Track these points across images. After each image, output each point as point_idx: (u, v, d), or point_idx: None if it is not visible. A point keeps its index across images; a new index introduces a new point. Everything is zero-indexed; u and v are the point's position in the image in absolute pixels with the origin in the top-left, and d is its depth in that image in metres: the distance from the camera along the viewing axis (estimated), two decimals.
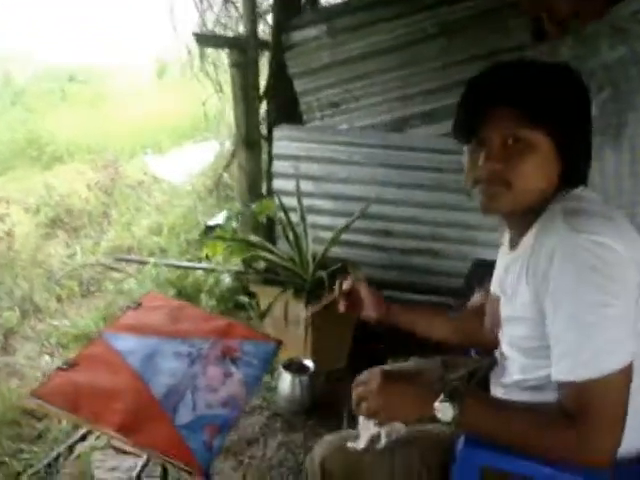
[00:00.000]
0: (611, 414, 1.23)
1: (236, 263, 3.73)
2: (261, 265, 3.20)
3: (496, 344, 1.64)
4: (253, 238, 3.23)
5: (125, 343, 2.00)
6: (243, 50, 3.38)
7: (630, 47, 1.64)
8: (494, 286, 1.69)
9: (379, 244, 3.65)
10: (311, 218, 3.37)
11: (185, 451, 1.68)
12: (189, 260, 4.21)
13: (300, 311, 2.99)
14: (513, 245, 1.49)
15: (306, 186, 3.50)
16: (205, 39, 3.48)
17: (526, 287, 1.36)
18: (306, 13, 3.57)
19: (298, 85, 3.56)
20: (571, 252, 1.24)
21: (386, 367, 1.54)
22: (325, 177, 3.59)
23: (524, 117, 1.33)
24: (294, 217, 3.23)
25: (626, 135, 1.69)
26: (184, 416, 1.79)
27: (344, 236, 3.55)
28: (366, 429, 1.55)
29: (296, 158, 3.57)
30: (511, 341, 1.52)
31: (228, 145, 5.60)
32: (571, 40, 1.68)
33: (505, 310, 1.54)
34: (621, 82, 1.67)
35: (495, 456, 1.38)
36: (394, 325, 1.84)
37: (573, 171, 1.38)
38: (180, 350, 2.04)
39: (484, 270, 2.87)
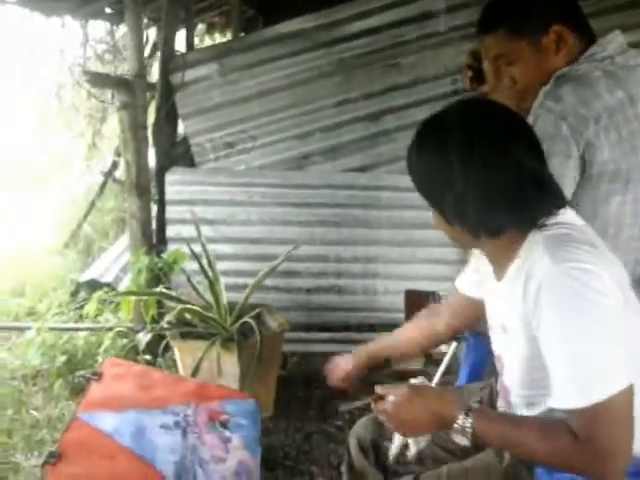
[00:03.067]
0: (616, 436, 1.21)
1: (130, 319, 3.46)
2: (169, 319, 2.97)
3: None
4: (166, 290, 3.01)
5: (106, 422, 1.74)
6: (132, 90, 3.16)
7: (624, 90, 1.72)
8: (491, 320, 1.64)
9: (282, 285, 3.55)
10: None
11: None
12: (65, 321, 3.82)
13: (233, 364, 2.81)
14: (499, 277, 1.48)
15: (203, 231, 3.32)
16: (95, 78, 3.21)
17: (520, 318, 1.36)
18: (195, 51, 3.42)
19: (188, 126, 3.40)
20: (556, 283, 1.25)
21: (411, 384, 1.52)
22: (224, 220, 3.44)
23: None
24: (195, 265, 3.06)
25: (633, 179, 1.76)
26: None
27: (246, 280, 3.43)
28: (396, 439, 1.65)
29: (191, 202, 3.39)
30: (512, 376, 1.52)
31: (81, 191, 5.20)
32: (572, 85, 1.73)
33: (504, 345, 1.53)
34: (622, 125, 1.73)
35: None
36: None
37: (471, 227, 1.36)
38: (166, 421, 1.82)
39: (419, 298, 2.89)
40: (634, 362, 1.26)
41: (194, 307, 2.86)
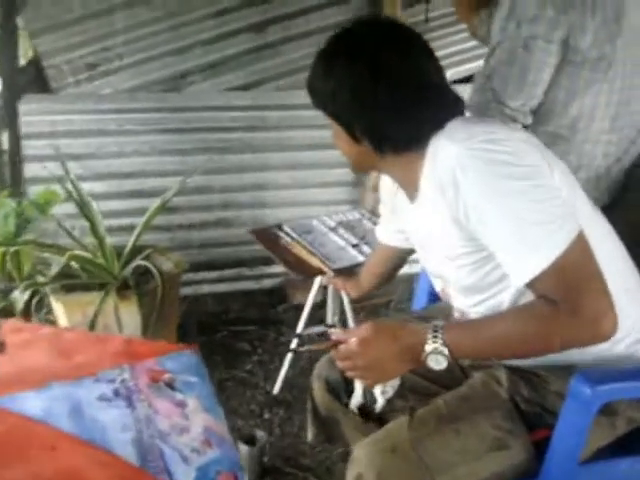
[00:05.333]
0: (588, 276, 1.18)
1: None
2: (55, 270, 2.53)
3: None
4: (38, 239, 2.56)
5: (29, 403, 1.37)
6: None
7: None
8: (422, 248, 1.58)
9: (161, 223, 3.16)
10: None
11: None
12: None
13: (132, 313, 2.45)
14: (413, 196, 1.43)
15: (69, 167, 2.85)
16: None
17: (445, 222, 1.30)
18: None
19: (40, 45, 2.86)
20: (469, 159, 1.20)
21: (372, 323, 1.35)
22: (92, 154, 2.99)
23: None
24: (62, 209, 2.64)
25: (615, 64, 1.63)
26: (184, 477, 1.30)
27: (121, 221, 3.05)
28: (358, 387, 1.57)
29: (52, 135, 2.90)
30: (459, 288, 1.45)
31: None
32: None
33: (433, 261, 1.49)
34: (608, 4, 1.60)
35: (624, 387, 1.35)
36: None
37: (379, 141, 1.33)
38: (102, 391, 1.47)
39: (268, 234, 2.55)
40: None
41: (82, 254, 2.45)
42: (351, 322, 2.59)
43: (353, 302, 2.68)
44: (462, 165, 1.20)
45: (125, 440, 1.33)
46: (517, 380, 1.43)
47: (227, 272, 3.40)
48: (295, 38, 3.08)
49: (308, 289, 3.38)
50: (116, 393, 1.48)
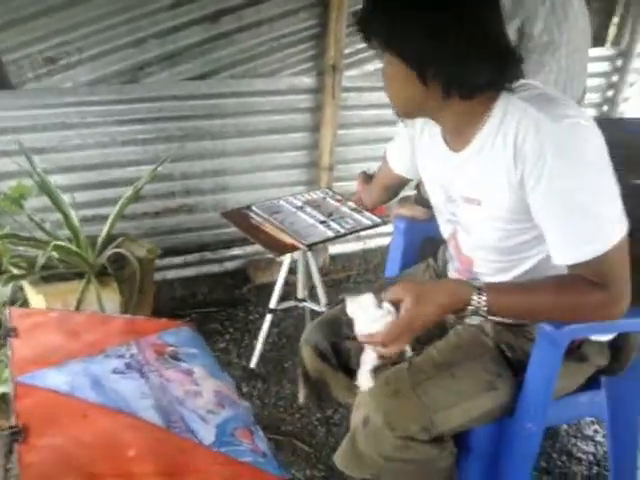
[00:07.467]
0: (626, 275, 1.30)
1: None
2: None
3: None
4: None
5: (55, 379, 1.49)
6: None
7: None
8: (444, 193, 1.61)
9: (126, 212, 3.21)
10: (43, 199, 2.79)
11: (253, 471, 1.37)
12: None
13: (112, 299, 2.55)
14: (458, 147, 1.47)
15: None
16: None
17: (502, 184, 1.37)
18: None
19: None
20: (561, 139, 1.26)
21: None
22: (55, 147, 3.04)
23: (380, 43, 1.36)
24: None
25: (561, 47, 1.79)
26: (206, 434, 1.43)
27: (85, 212, 3.12)
28: (365, 364, 1.52)
29: (15, 130, 2.94)
30: (483, 244, 1.53)
31: None
32: None
33: (469, 215, 1.52)
34: None
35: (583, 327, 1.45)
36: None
37: (452, 81, 1.31)
38: (116, 366, 1.60)
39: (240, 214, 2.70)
40: None
41: (65, 244, 2.53)
42: (321, 295, 2.72)
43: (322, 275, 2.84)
44: (555, 144, 1.26)
45: (147, 406, 1.46)
46: (501, 330, 1.57)
47: (191, 257, 3.50)
48: (247, 27, 3.18)
49: (269, 270, 3.54)
50: (128, 366, 1.61)
